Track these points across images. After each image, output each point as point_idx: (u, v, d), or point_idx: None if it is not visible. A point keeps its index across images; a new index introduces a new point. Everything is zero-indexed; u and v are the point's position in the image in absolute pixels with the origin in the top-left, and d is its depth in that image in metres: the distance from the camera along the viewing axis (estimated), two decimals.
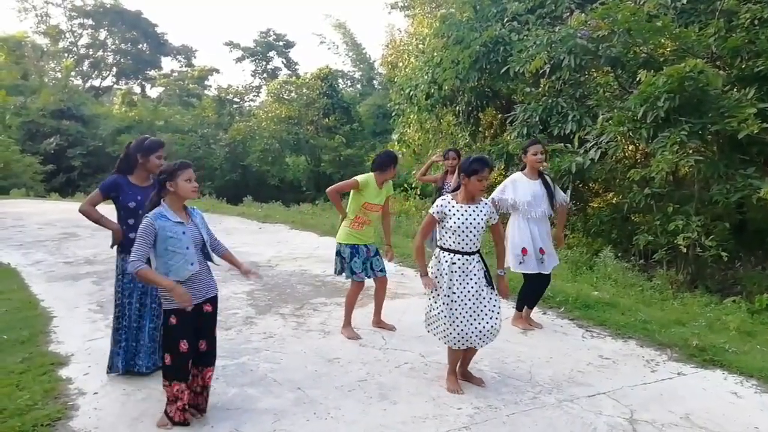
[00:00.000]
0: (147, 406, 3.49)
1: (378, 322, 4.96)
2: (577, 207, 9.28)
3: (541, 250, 4.81)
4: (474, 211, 3.63)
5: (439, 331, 3.72)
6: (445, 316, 3.62)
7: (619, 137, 7.52)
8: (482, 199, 3.74)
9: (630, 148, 8.80)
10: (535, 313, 5.22)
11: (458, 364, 3.82)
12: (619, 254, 7.76)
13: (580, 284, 6.48)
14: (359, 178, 4.65)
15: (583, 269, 7.47)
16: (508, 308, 5.50)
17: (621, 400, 3.63)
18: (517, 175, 4.96)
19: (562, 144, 8.29)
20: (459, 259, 3.63)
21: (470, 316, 3.60)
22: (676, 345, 4.56)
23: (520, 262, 4.83)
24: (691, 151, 6.52)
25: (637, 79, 7.08)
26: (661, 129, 6.72)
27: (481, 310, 3.62)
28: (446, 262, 3.65)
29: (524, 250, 4.80)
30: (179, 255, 3.12)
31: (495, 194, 4.87)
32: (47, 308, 5.61)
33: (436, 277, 3.69)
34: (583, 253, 8.07)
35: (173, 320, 3.14)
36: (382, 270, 4.78)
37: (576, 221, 9.20)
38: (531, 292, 5.01)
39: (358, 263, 4.63)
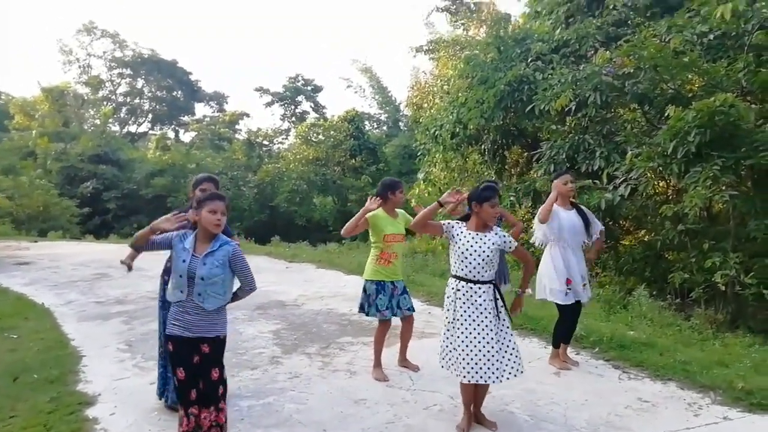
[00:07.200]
0: None
1: (403, 361, 4.87)
2: (608, 245, 9.08)
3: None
4: (482, 239, 3.59)
5: (450, 363, 3.64)
6: (454, 346, 3.59)
7: (649, 173, 7.40)
8: (494, 227, 3.68)
9: (661, 184, 8.63)
10: (568, 353, 5.04)
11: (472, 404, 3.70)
12: (654, 293, 7.49)
13: (614, 324, 6.27)
14: (368, 216, 4.56)
15: (617, 308, 7.23)
16: (542, 349, 5.35)
17: None
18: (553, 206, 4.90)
19: (591, 180, 8.20)
20: (463, 287, 3.59)
21: (475, 347, 3.49)
22: (719, 387, 4.33)
23: (566, 294, 4.70)
24: (724, 187, 6.37)
25: (666, 114, 7.00)
26: (692, 164, 6.59)
27: (488, 343, 3.50)
28: (451, 288, 3.67)
29: (569, 281, 4.71)
30: (174, 278, 3.18)
31: (544, 223, 4.76)
32: (77, 347, 5.67)
33: (447, 308, 3.69)
34: (616, 292, 7.84)
35: (170, 347, 3.18)
36: (409, 308, 4.71)
37: (607, 259, 8.97)
38: (567, 326, 4.87)
39: (384, 300, 4.57)
